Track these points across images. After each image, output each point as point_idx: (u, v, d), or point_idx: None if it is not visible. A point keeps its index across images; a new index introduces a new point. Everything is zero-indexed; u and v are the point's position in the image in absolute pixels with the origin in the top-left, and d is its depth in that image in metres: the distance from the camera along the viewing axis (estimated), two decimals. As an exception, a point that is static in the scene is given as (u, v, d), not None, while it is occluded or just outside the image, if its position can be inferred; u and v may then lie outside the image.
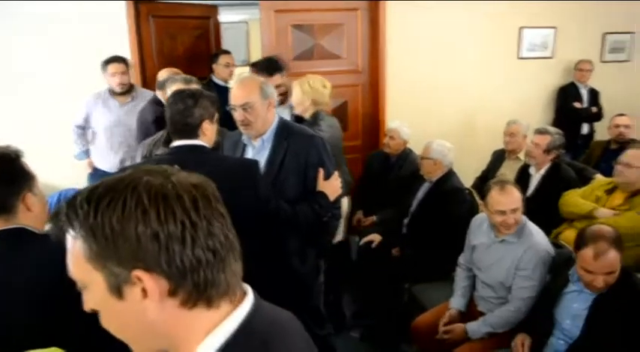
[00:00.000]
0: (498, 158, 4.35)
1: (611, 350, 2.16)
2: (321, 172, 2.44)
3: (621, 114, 4.58)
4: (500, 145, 4.43)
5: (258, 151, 2.47)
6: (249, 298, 0.89)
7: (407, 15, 4.85)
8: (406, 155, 4.11)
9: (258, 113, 2.37)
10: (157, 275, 0.79)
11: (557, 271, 2.53)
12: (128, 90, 4.12)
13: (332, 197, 2.47)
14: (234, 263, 0.85)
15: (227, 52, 4.91)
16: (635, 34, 5.75)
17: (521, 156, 4.15)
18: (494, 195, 2.62)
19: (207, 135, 2.11)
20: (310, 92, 3.39)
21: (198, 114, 2.06)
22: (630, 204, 3.21)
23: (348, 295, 4.07)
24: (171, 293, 0.80)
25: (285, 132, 2.45)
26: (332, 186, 2.48)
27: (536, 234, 2.68)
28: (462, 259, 3.00)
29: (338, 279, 3.70)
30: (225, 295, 0.85)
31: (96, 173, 4.27)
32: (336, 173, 2.53)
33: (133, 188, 0.79)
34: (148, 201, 0.78)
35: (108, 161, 4.14)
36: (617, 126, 4.52)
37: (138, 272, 0.78)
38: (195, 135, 2.07)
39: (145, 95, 4.07)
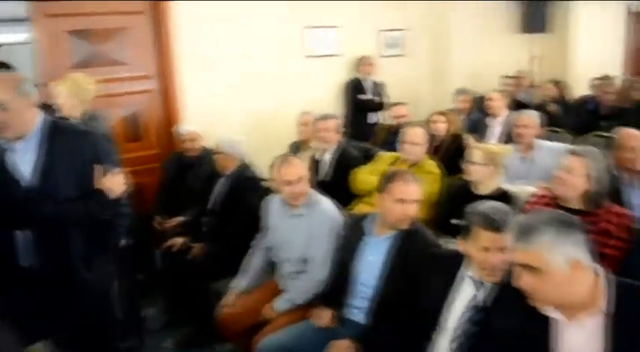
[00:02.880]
0: (294, 149, 4.49)
1: (401, 293, 2.30)
2: (100, 169, 2.27)
3: (397, 104, 5.05)
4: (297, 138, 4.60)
5: (23, 154, 2.20)
6: None
7: (194, 16, 4.80)
8: (205, 154, 4.04)
9: (16, 113, 2.11)
10: None
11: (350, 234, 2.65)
12: None
13: (114, 194, 2.31)
14: None
15: None
16: (407, 31, 6.39)
17: (315, 144, 4.30)
18: (279, 168, 2.74)
19: None
20: (77, 91, 3.18)
21: None
22: (411, 173, 3.53)
23: (157, 307, 3.89)
24: None
25: (53, 131, 2.23)
26: (112, 183, 2.32)
27: (324, 202, 2.81)
28: (255, 241, 3.03)
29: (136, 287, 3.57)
30: None
31: None
32: (117, 169, 2.38)
33: None
34: None
35: None
36: (396, 117, 4.98)
37: None
38: None
39: None
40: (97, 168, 2.27)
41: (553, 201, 2.70)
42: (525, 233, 1.57)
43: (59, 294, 2.22)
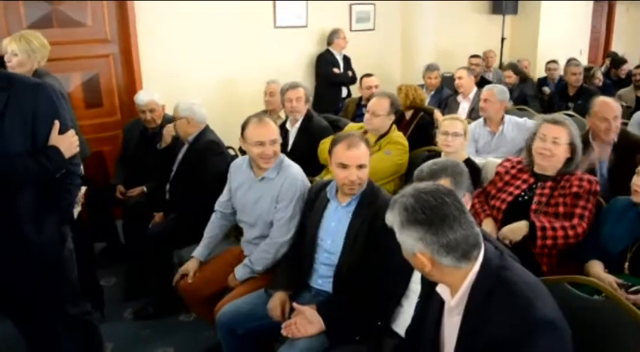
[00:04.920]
0: (261, 119, 4.38)
1: (366, 259, 2.25)
2: (57, 124, 2.12)
3: (368, 75, 4.99)
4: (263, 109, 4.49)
5: None
6: None
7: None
8: (167, 122, 3.88)
9: None
10: None
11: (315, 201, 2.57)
12: None
13: (67, 153, 2.16)
14: None
15: None
16: (377, 5, 6.31)
17: (282, 114, 4.23)
18: (253, 128, 2.61)
19: None
20: (29, 48, 3.00)
21: None
22: (379, 144, 3.47)
23: (117, 277, 3.78)
24: None
25: (4, 83, 2.07)
26: (67, 140, 2.17)
27: (293, 166, 2.71)
28: (218, 205, 2.91)
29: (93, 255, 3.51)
30: None
31: None
32: (72, 130, 2.24)
33: None
34: None
35: None
36: (369, 87, 4.92)
37: None
38: None
39: None
40: (55, 124, 2.13)
41: (527, 168, 2.69)
42: (390, 205, 1.49)
43: (5, 257, 2.09)
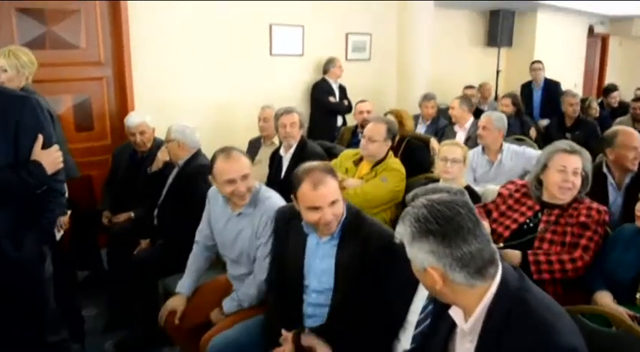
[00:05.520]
0: (255, 145, 4.31)
1: (363, 295, 2.07)
2: (40, 138, 2.04)
3: (362, 101, 4.95)
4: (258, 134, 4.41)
5: None
6: None
7: (152, 5, 4.56)
8: (157, 146, 3.79)
9: None
10: None
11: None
12: None
13: (49, 168, 2.07)
14: None
15: None
16: (373, 35, 6.30)
17: (276, 140, 4.15)
18: (220, 164, 2.37)
19: None
20: (17, 64, 2.92)
21: None
22: (375, 171, 3.38)
23: (100, 307, 3.62)
24: None
25: None
26: (50, 155, 2.09)
27: (273, 196, 2.54)
28: (199, 236, 2.75)
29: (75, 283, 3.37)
30: None
31: None
32: (56, 146, 2.14)
33: None
34: None
35: None
36: (362, 112, 4.86)
37: None
38: None
39: None
40: (39, 138, 2.05)
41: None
42: (401, 217, 1.40)
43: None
